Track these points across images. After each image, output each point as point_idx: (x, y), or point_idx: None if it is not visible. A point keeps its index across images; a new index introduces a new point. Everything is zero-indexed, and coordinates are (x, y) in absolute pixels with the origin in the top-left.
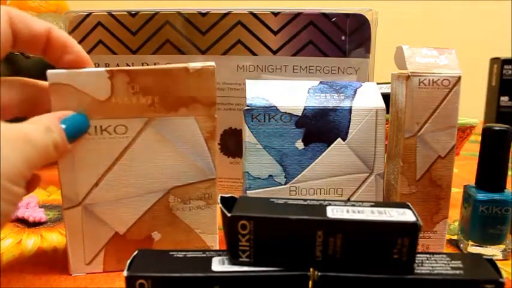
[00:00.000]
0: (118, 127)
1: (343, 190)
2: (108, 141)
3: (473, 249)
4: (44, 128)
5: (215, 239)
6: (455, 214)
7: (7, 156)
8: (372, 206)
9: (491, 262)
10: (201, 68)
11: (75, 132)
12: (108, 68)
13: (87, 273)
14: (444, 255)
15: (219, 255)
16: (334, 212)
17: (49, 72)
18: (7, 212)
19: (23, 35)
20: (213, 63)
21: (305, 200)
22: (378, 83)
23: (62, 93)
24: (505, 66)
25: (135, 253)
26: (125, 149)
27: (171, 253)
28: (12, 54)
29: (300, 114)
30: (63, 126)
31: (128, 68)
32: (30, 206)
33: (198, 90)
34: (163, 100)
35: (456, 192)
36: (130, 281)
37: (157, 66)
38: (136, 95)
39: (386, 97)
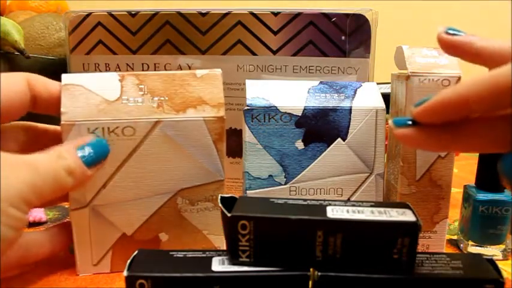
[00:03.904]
0: (126, 129)
1: (343, 190)
2: (116, 143)
3: (473, 249)
4: (55, 156)
5: (222, 240)
6: (455, 214)
7: (7, 180)
8: (372, 206)
9: (491, 262)
10: (207, 73)
11: (94, 158)
12: (119, 73)
13: (94, 274)
14: (444, 255)
15: (219, 255)
16: (334, 212)
17: (63, 75)
18: (7, 236)
19: (43, 96)
20: (219, 70)
21: (305, 200)
22: (378, 83)
23: (73, 92)
24: None
25: (135, 253)
26: (133, 151)
27: (171, 253)
28: (12, 55)
29: (300, 114)
30: (80, 152)
31: (137, 72)
32: None
33: (205, 92)
34: (171, 101)
35: (456, 192)
36: (130, 281)
37: (165, 72)
38: (145, 95)
39: (386, 97)
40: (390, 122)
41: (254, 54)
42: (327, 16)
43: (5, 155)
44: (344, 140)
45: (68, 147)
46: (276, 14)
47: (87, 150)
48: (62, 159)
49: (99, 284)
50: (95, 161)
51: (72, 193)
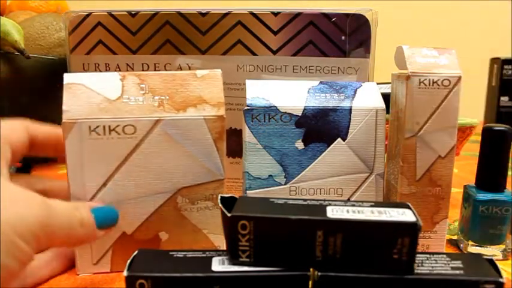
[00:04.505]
0: (127, 127)
1: (343, 190)
2: (116, 142)
3: (473, 249)
4: (72, 206)
5: (222, 240)
6: (455, 214)
7: (18, 212)
8: (371, 206)
9: (491, 262)
10: (207, 73)
11: (104, 221)
12: (120, 72)
13: (94, 273)
14: (444, 255)
15: (219, 255)
16: (334, 212)
17: (66, 74)
18: (9, 267)
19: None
20: (219, 70)
21: (305, 200)
22: (378, 83)
23: (74, 91)
24: (505, 66)
25: (135, 253)
26: (134, 149)
27: (171, 253)
28: (12, 55)
29: (300, 114)
30: (93, 212)
31: (138, 72)
32: None
33: (205, 91)
34: (172, 100)
35: (456, 192)
36: (130, 281)
37: (166, 72)
38: (146, 94)
39: (386, 97)
40: None
41: (254, 54)
42: (327, 16)
43: (22, 190)
44: (344, 140)
45: (83, 203)
46: (276, 14)
47: (100, 213)
48: (77, 211)
49: (99, 284)
50: (104, 224)
51: (73, 191)
